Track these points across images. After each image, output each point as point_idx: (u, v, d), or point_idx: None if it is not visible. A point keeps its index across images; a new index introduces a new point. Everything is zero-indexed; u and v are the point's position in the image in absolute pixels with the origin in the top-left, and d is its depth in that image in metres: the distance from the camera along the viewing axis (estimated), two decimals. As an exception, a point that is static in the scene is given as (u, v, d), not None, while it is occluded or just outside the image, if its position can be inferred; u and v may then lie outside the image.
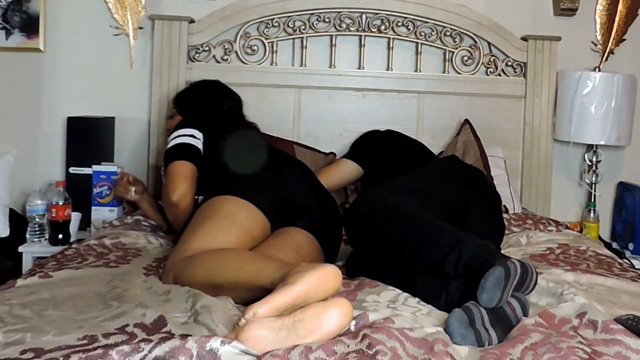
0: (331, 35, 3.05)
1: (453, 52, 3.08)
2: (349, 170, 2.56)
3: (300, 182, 2.03)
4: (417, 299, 1.57)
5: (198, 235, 1.76)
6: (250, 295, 1.46)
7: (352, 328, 1.29)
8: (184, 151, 2.05)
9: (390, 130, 2.82)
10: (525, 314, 1.46)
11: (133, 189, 2.39)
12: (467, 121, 2.99)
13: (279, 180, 1.97)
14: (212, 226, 1.78)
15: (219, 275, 1.54)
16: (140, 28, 3.04)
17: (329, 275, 1.33)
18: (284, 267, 1.43)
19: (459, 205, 1.96)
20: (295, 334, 1.22)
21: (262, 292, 1.38)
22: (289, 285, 1.30)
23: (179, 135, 2.08)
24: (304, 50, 3.03)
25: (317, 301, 1.30)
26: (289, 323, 1.23)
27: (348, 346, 1.21)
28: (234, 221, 1.80)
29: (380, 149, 2.63)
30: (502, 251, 2.04)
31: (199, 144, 2.08)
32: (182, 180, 1.98)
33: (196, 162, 2.04)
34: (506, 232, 2.34)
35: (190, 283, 1.58)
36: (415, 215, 1.72)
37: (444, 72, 3.10)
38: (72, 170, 2.76)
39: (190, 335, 1.21)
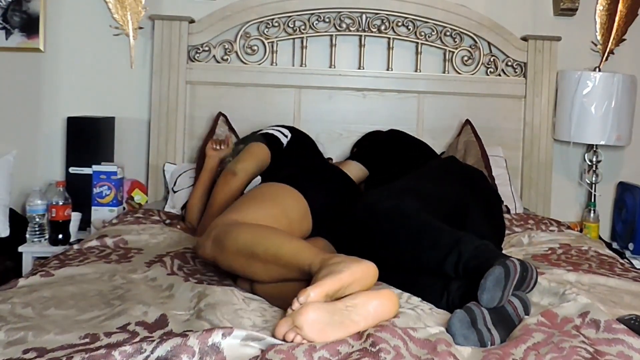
0: (331, 35, 3.05)
1: (453, 52, 3.08)
2: (354, 171, 2.54)
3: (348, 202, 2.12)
4: (419, 298, 1.57)
5: (251, 210, 1.81)
6: (282, 273, 1.51)
7: None
8: (267, 138, 2.35)
9: (394, 130, 2.80)
10: (527, 313, 1.46)
11: (224, 148, 2.49)
12: (468, 121, 2.99)
13: (334, 194, 2.08)
14: (265, 211, 1.82)
15: (261, 244, 1.56)
16: (140, 28, 3.04)
17: (370, 269, 1.39)
18: (322, 254, 1.47)
19: (459, 206, 1.95)
20: (349, 319, 1.26)
21: (296, 272, 1.46)
22: (337, 273, 1.33)
23: (271, 127, 2.45)
24: (304, 50, 3.03)
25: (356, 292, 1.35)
26: (342, 307, 1.27)
27: (352, 347, 1.21)
28: (288, 216, 1.87)
29: (383, 150, 2.61)
30: (504, 251, 2.04)
31: (284, 139, 2.39)
32: (252, 159, 2.24)
33: (274, 151, 2.30)
34: (508, 232, 2.34)
35: (230, 245, 1.60)
36: (414, 217, 1.71)
37: (444, 72, 3.10)
38: (72, 170, 2.76)
39: (192, 331, 1.20)
